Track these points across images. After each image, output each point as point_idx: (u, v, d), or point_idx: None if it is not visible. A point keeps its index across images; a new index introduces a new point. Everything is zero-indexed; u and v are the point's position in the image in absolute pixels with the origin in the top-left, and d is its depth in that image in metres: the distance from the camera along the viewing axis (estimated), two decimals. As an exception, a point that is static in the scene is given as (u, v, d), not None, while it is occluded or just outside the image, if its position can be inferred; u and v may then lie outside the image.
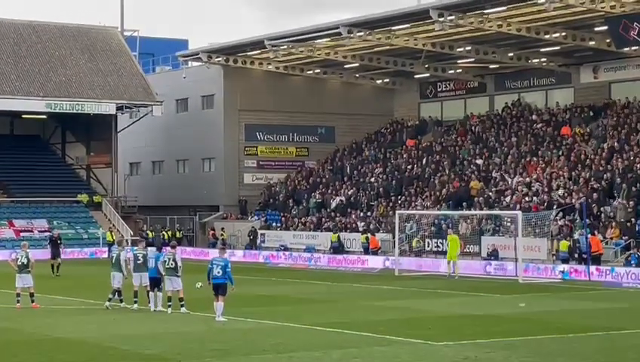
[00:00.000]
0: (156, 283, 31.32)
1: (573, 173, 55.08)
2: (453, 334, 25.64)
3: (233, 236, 68.10)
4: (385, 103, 77.03)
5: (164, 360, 22.19)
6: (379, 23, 59.81)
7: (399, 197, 62.73)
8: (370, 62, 68.58)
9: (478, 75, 70.72)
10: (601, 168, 54.15)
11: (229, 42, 70.70)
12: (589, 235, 45.90)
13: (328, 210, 66.11)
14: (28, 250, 33.41)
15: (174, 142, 77.24)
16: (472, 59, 65.91)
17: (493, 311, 32.10)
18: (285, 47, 66.15)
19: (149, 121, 74.06)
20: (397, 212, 54.06)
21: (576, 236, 48.43)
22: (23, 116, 75.17)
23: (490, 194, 57.02)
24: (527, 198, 54.02)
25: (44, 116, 75.04)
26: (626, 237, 47.78)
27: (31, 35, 72.72)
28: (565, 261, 47.00)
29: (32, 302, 32.56)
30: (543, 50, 62.96)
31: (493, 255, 50.74)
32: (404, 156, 69.04)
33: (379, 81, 75.93)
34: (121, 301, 32.45)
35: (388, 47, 64.51)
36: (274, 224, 67.90)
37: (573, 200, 51.57)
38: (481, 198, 56.75)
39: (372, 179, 67.33)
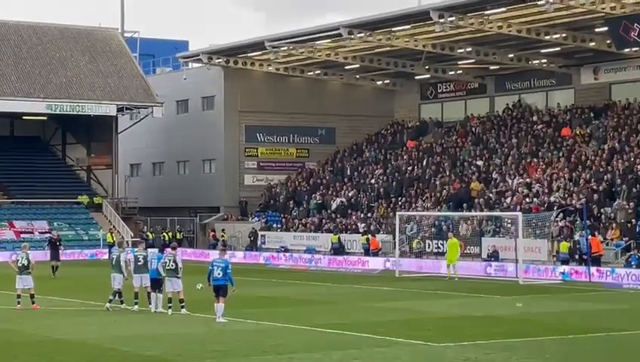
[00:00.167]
0: (157, 284, 31.32)
1: (573, 174, 55.08)
2: (453, 335, 25.64)
3: (234, 237, 68.10)
4: (385, 104, 77.03)
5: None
6: (379, 24, 59.81)
7: (400, 198, 62.73)
8: (371, 63, 68.58)
9: (479, 76, 70.72)
10: (601, 169, 54.14)
11: (230, 43, 70.74)
12: (590, 236, 45.89)
13: (329, 211, 66.11)
14: (28, 252, 33.41)
15: (175, 144, 77.25)
16: (473, 61, 65.90)
17: (493, 312, 32.10)
18: (285, 48, 66.16)
19: (150, 123, 74.08)
20: (397, 213, 54.05)
21: (576, 237, 48.43)
22: (24, 117, 75.22)
23: (491, 195, 57.02)
24: (527, 199, 54.01)
25: (45, 117, 75.06)
26: (627, 239, 47.77)
27: (31, 37, 72.75)
28: (565, 262, 47.01)
29: (33, 303, 32.57)
30: (543, 51, 62.96)
31: (494, 256, 50.74)
32: (405, 157, 69.04)
33: (379, 82, 75.93)
34: (122, 302, 32.45)
35: (388, 49, 64.51)
36: (274, 225, 67.90)
37: (574, 202, 51.55)
38: (481, 199, 56.75)
39: (372, 181, 67.34)
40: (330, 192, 68.52)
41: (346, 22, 61.06)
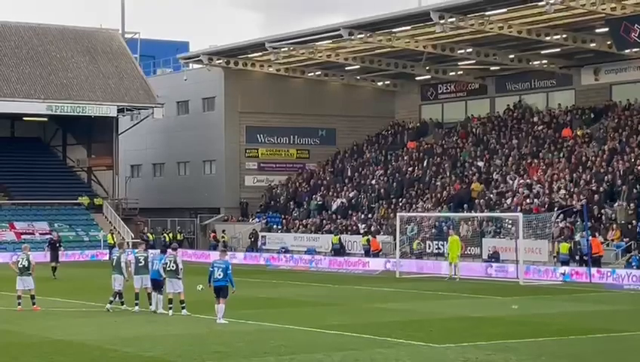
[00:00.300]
0: (158, 285, 31.30)
1: (574, 175, 55.08)
2: (454, 336, 25.63)
3: (234, 238, 68.10)
4: (386, 105, 77.02)
5: (165, 363, 22.24)
6: (380, 25, 59.79)
7: (400, 199, 62.73)
8: (371, 64, 68.57)
9: (479, 76, 70.72)
10: (602, 170, 54.13)
11: (230, 44, 70.75)
12: (590, 237, 45.88)
13: (329, 212, 66.11)
14: (29, 253, 33.39)
15: (175, 145, 77.26)
16: (473, 61, 65.92)
17: (494, 313, 32.09)
18: (286, 49, 66.16)
19: (150, 124, 74.10)
20: (398, 214, 54.05)
21: (577, 238, 48.41)
22: (24, 118, 75.24)
23: (491, 196, 57.02)
24: (528, 200, 54.01)
25: (45, 118, 75.06)
26: (627, 239, 47.77)
27: (32, 38, 72.77)
28: (565, 263, 47.00)
29: (33, 304, 32.56)
30: (543, 52, 62.95)
31: (494, 257, 50.72)
32: (405, 158, 69.04)
33: (380, 83, 75.93)
34: (123, 303, 32.45)
35: (389, 49, 64.52)
36: (275, 226, 67.90)
37: (574, 202, 51.55)
38: (481, 200, 56.75)
39: (373, 181, 67.34)
40: (330, 193, 68.52)
41: (347, 23, 61.05)
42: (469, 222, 54.96)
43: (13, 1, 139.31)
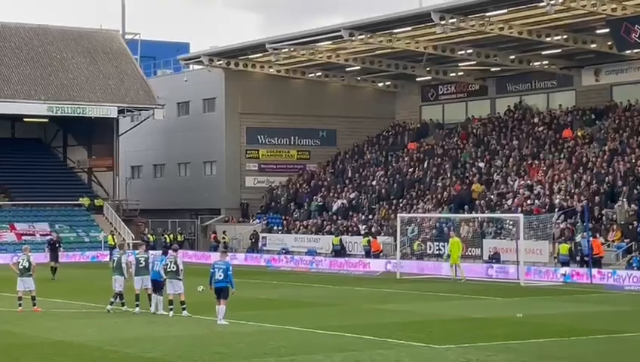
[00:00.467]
0: (158, 286, 31.28)
1: (574, 175, 55.06)
2: (454, 337, 25.62)
3: (235, 239, 68.09)
4: (386, 106, 77.02)
5: (165, 364, 22.23)
6: (380, 26, 59.79)
7: (401, 200, 62.71)
8: (372, 65, 68.55)
9: (480, 77, 70.71)
10: (602, 171, 54.12)
11: (231, 45, 70.76)
12: (591, 238, 45.86)
13: (330, 213, 66.10)
14: (29, 254, 33.38)
15: (176, 146, 77.26)
16: (474, 62, 65.93)
17: (494, 314, 32.08)
18: (286, 50, 66.15)
19: (151, 125, 74.10)
20: (398, 215, 54.06)
21: (577, 239, 48.39)
22: (25, 119, 75.22)
23: (492, 197, 57.01)
24: (528, 201, 54.00)
25: (46, 119, 75.04)
26: (628, 240, 47.76)
27: (33, 39, 72.78)
28: (566, 264, 47.00)
29: (34, 305, 32.55)
30: (544, 52, 62.95)
31: (495, 258, 50.71)
32: (406, 159, 69.02)
33: (380, 84, 75.94)
34: (123, 304, 32.43)
35: (389, 50, 64.52)
36: (275, 227, 67.89)
37: (575, 203, 51.53)
38: (482, 201, 56.74)
39: (373, 182, 67.33)
40: (331, 194, 68.51)
41: (347, 24, 61.03)
42: (470, 223, 54.95)
43: (13, 2, 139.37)
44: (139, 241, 54.58)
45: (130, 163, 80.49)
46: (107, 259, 57.29)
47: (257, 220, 69.76)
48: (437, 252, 54.57)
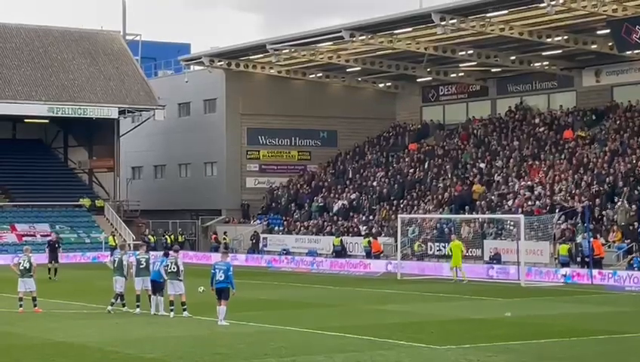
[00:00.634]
0: (158, 287, 31.27)
1: (575, 176, 55.06)
2: (455, 338, 25.62)
3: (235, 240, 68.10)
4: (387, 107, 77.02)
5: (166, 364, 22.23)
6: (381, 27, 59.81)
7: (401, 201, 62.72)
8: (372, 65, 68.56)
9: (480, 78, 70.71)
10: (603, 171, 54.12)
11: (231, 46, 70.78)
12: (591, 239, 45.85)
13: (330, 213, 66.11)
14: (30, 255, 33.37)
15: (176, 146, 77.27)
16: (474, 63, 65.93)
17: (495, 314, 32.05)
18: (287, 51, 66.16)
19: (151, 125, 74.11)
20: (399, 216, 54.06)
21: (578, 240, 48.38)
22: (26, 120, 75.26)
23: (493, 197, 57.00)
24: (529, 202, 53.99)
25: (47, 120, 75.08)
26: (628, 241, 47.74)
27: (33, 40, 72.80)
28: (566, 264, 46.99)
29: (35, 306, 32.56)
30: (544, 53, 62.94)
31: (496, 258, 50.69)
32: (407, 160, 69.03)
33: (381, 85, 75.95)
34: (124, 305, 32.44)
35: (390, 51, 64.53)
36: (276, 228, 67.91)
37: (576, 204, 51.53)
38: (483, 202, 56.74)
39: (374, 183, 67.33)
40: (331, 195, 68.53)
41: (348, 24, 61.04)
42: (471, 224, 54.94)
43: (14, 3, 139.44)
44: (139, 242, 54.56)
45: (130, 164, 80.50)
46: (107, 259, 57.24)
47: (258, 221, 69.77)
48: (437, 253, 54.56)
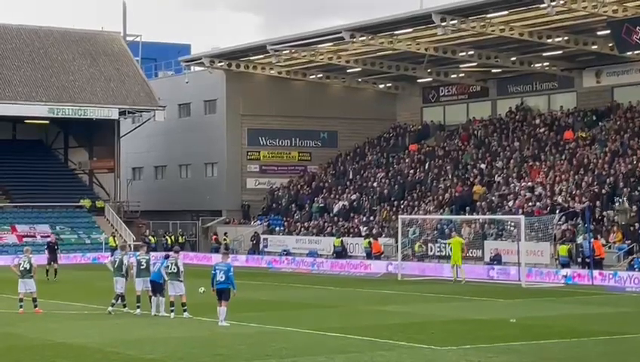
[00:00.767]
0: (158, 287, 31.24)
1: (575, 177, 55.04)
2: (455, 339, 25.61)
3: (236, 241, 68.10)
4: (387, 108, 77.01)
5: (166, 365, 22.21)
6: (381, 28, 59.80)
7: (402, 201, 62.71)
8: (373, 66, 68.56)
9: (481, 79, 70.71)
10: (603, 172, 54.11)
11: (232, 47, 70.78)
12: (592, 240, 45.83)
13: (331, 214, 66.11)
14: (31, 255, 33.36)
15: (177, 147, 77.28)
16: (475, 64, 65.92)
17: (496, 315, 32.05)
18: (287, 51, 66.16)
19: (152, 126, 74.11)
20: (399, 216, 54.04)
21: (579, 240, 48.36)
22: (26, 121, 75.27)
23: (493, 198, 56.99)
24: (530, 203, 53.97)
25: (47, 121, 75.08)
26: (629, 242, 47.72)
27: (34, 40, 72.81)
28: (566, 265, 46.98)
29: (35, 307, 32.55)
30: (545, 54, 62.93)
31: (496, 259, 50.67)
32: (407, 161, 69.02)
33: (381, 86, 75.94)
34: (124, 306, 32.43)
35: (390, 52, 64.51)
36: (277, 229, 67.90)
37: (576, 205, 51.51)
38: (483, 203, 56.72)
39: (375, 184, 67.32)
40: (332, 196, 68.53)
41: (348, 25, 61.07)
42: (471, 225, 54.92)
43: (14, 4, 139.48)
44: (140, 243, 54.54)
45: (131, 164, 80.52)
46: (107, 260, 57.17)
47: (258, 222, 69.76)
48: (438, 253, 54.57)
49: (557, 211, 51.54)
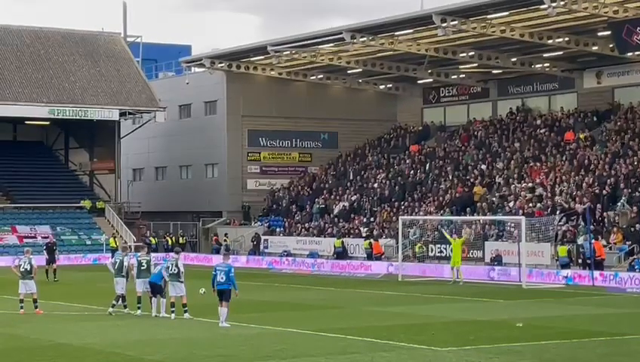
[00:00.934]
0: (158, 289, 31.22)
1: (576, 178, 55.03)
2: (456, 340, 25.60)
3: (236, 242, 68.10)
4: (388, 109, 77.03)
5: (167, 366, 22.21)
6: (382, 29, 59.82)
7: (402, 202, 62.70)
8: (373, 67, 68.58)
9: (481, 80, 70.71)
10: (604, 173, 54.11)
11: (232, 48, 70.80)
12: (593, 240, 45.81)
13: (331, 215, 66.10)
14: (31, 256, 33.37)
15: (177, 148, 77.30)
16: (475, 65, 65.92)
17: (496, 316, 32.04)
18: (288, 52, 66.18)
19: (152, 127, 74.12)
20: (400, 217, 54.02)
21: (580, 241, 48.35)
22: (26, 122, 75.24)
23: (494, 199, 56.98)
24: (530, 204, 53.96)
25: (48, 122, 75.06)
26: (630, 243, 47.71)
27: (34, 42, 72.81)
28: (565, 266, 46.96)
29: (36, 308, 32.55)
30: (545, 55, 62.94)
31: (497, 260, 50.67)
32: (408, 161, 69.02)
33: (382, 87, 75.94)
34: (125, 307, 32.42)
35: (391, 53, 64.53)
36: (277, 229, 67.90)
37: (577, 206, 51.50)
38: (484, 204, 56.71)
39: (375, 185, 67.31)
40: (332, 196, 68.52)
41: (349, 26, 61.10)
42: (472, 226, 54.89)
43: (15, 5, 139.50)
44: (140, 244, 54.56)
45: (131, 165, 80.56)
46: (108, 262, 57.15)
47: (259, 222, 69.78)
48: (439, 254, 54.57)
49: (557, 212, 51.53)
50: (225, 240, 66.84)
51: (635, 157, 54.45)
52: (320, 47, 65.20)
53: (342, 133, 76.42)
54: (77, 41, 74.68)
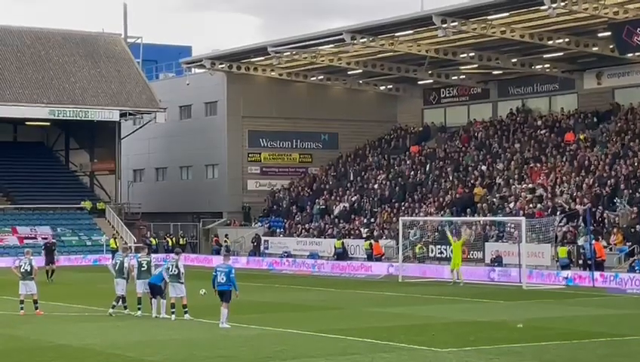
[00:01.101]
0: (157, 290, 31.21)
1: (576, 178, 55.03)
2: (456, 340, 25.60)
3: (237, 242, 68.10)
4: (388, 109, 77.05)
5: (167, 367, 22.20)
6: (382, 30, 59.81)
7: (403, 203, 62.71)
8: (374, 68, 68.58)
9: (482, 81, 70.72)
10: (604, 174, 54.11)
11: (232, 49, 70.79)
12: (593, 241, 45.81)
13: (332, 216, 66.10)
14: (31, 257, 33.38)
15: (178, 149, 77.31)
16: (476, 66, 65.91)
17: (496, 317, 32.04)
18: (288, 53, 66.18)
19: (153, 128, 74.13)
20: (400, 218, 54.02)
21: (580, 242, 48.35)
22: (27, 123, 75.28)
23: (494, 200, 56.98)
24: (530, 204, 53.97)
25: (48, 123, 75.09)
26: (630, 243, 47.70)
27: (35, 42, 72.83)
28: (565, 267, 46.96)
29: (36, 309, 32.55)
30: (546, 56, 62.95)
31: (497, 261, 50.67)
32: (408, 162, 69.03)
33: (382, 88, 75.94)
34: (125, 308, 32.42)
35: (391, 54, 64.54)
36: (277, 230, 67.91)
37: (577, 206, 51.50)
38: (484, 204, 56.71)
39: (375, 186, 67.32)
40: (333, 197, 68.53)
41: (349, 27, 61.11)
42: (472, 226, 54.89)
43: (15, 6, 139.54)
44: (141, 245, 54.55)
45: (132, 166, 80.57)
46: (108, 263, 57.18)
47: (259, 223, 69.78)
48: (439, 255, 54.57)
49: (558, 213, 51.53)
50: (225, 241, 66.85)
51: (635, 158, 54.45)
52: (320, 47, 65.21)
53: (342, 133, 76.43)
54: (77, 41, 74.70)
